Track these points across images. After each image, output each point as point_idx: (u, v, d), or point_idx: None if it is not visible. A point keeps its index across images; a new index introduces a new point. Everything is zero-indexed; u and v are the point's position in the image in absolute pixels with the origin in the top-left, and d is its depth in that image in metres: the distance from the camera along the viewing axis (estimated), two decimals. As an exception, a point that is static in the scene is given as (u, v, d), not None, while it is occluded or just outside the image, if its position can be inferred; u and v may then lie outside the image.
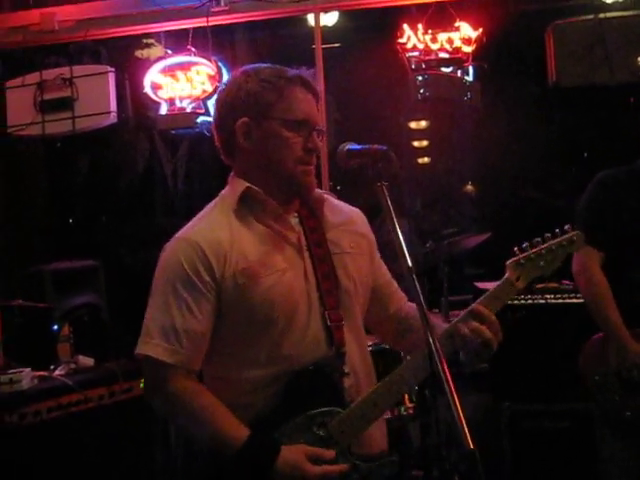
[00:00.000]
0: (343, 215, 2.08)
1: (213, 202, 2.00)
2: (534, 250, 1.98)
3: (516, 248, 2.00)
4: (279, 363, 1.86)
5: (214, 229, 1.88)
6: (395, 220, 1.69)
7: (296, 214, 1.99)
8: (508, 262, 1.97)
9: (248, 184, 1.92)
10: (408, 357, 1.97)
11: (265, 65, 1.99)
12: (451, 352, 1.86)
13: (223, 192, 2.01)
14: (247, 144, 1.93)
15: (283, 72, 1.95)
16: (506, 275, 1.96)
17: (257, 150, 1.93)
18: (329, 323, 1.89)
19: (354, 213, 2.14)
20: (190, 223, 1.96)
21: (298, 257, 1.93)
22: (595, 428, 3.28)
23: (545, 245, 1.99)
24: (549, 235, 2.01)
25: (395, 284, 2.19)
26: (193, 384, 1.86)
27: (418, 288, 1.60)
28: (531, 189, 5.24)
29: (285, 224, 1.94)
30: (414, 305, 2.01)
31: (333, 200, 2.10)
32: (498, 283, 1.97)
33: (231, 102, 1.95)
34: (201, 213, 1.98)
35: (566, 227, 2.04)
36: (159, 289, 1.88)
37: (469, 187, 5.95)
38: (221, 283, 1.84)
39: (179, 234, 1.93)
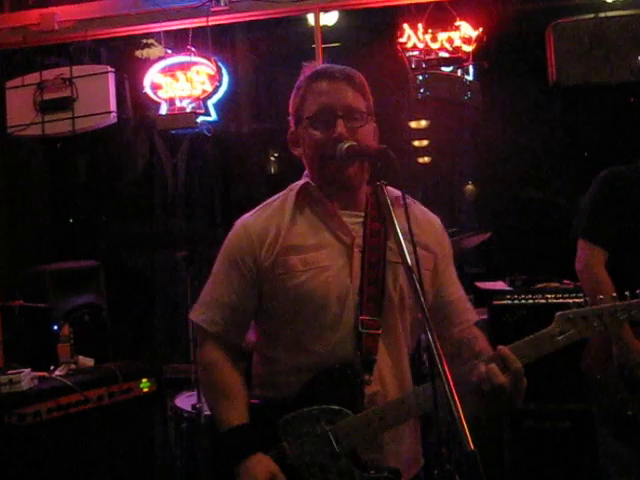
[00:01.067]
0: (414, 224, 1.89)
1: (282, 192, 2.08)
2: (589, 308, 1.79)
3: (574, 300, 1.82)
4: (305, 354, 1.92)
5: (269, 218, 1.99)
6: (395, 219, 1.68)
7: (362, 213, 1.99)
8: (558, 313, 1.81)
9: (308, 180, 2.01)
10: (426, 383, 1.85)
11: (308, 65, 2.04)
12: (464, 391, 1.70)
13: (293, 184, 2.07)
14: (298, 152, 2.04)
15: (307, 71, 2.00)
16: (550, 326, 1.81)
17: (304, 154, 2.02)
18: (360, 329, 1.89)
19: (428, 223, 2.06)
20: (255, 208, 2.07)
21: (346, 258, 1.93)
22: (595, 428, 3.27)
23: (606, 305, 1.78)
24: (615, 296, 1.80)
25: (464, 305, 2.08)
26: (220, 357, 2.00)
27: (418, 287, 1.59)
28: (531, 188, 5.23)
29: (338, 223, 1.96)
30: (477, 331, 2.04)
31: (411, 205, 1.97)
32: (538, 333, 1.81)
33: (290, 117, 2.06)
34: (267, 200, 2.08)
35: (638, 291, 1.81)
36: (216, 265, 2.06)
37: (469, 186, 5.94)
38: (261, 270, 1.95)
39: (243, 217, 2.06)
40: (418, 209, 2.08)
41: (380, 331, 1.91)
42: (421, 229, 2.01)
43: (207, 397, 2.08)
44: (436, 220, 2.11)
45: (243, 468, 1.85)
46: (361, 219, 1.98)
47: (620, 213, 3.05)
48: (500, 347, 1.79)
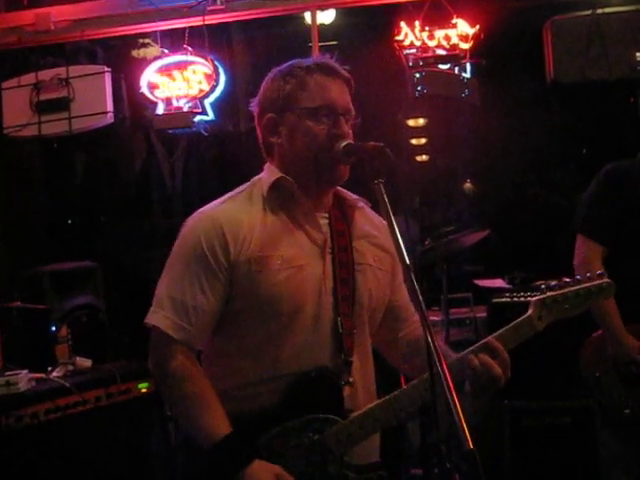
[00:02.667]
0: (373, 226, 2.04)
1: (244, 185, 1.98)
2: (561, 291, 1.91)
3: (543, 285, 1.93)
4: (281, 360, 1.84)
5: (238, 211, 1.88)
6: (392, 218, 1.66)
7: (327, 214, 1.96)
8: (533, 299, 1.91)
9: (282, 174, 1.90)
10: (414, 381, 1.88)
11: (294, 60, 1.99)
12: (458, 381, 1.76)
13: (256, 178, 1.99)
14: (276, 139, 1.93)
15: (303, 62, 1.95)
16: (529, 312, 1.90)
17: (285, 144, 1.92)
18: (341, 330, 1.86)
19: (384, 227, 2.01)
20: (216, 201, 1.94)
21: (319, 257, 1.90)
22: (595, 427, 3.26)
23: (574, 288, 1.93)
24: (579, 278, 1.95)
25: (411, 307, 2.08)
26: (191, 366, 1.84)
27: (416, 286, 1.57)
28: (530, 186, 5.23)
29: (313, 222, 1.92)
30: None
31: (367, 209, 2.05)
32: (519, 319, 1.90)
33: (262, 102, 1.97)
34: (230, 194, 1.96)
35: (598, 272, 1.99)
36: (175, 261, 1.89)
37: (468, 184, 5.94)
38: (235, 266, 1.82)
39: (203, 209, 1.92)
40: (371, 212, 2.08)
41: (355, 331, 1.89)
42: (378, 231, 2.03)
43: (184, 411, 1.85)
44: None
45: (246, 476, 1.73)
46: (327, 220, 1.95)
47: (620, 209, 3.05)
48: (489, 339, 1.86)
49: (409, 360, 2.05)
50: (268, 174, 1.94)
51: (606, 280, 1.97)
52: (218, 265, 1.83)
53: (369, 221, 2.04)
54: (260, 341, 1.85)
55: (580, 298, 1.93)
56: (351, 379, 1.87)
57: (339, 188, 1.99)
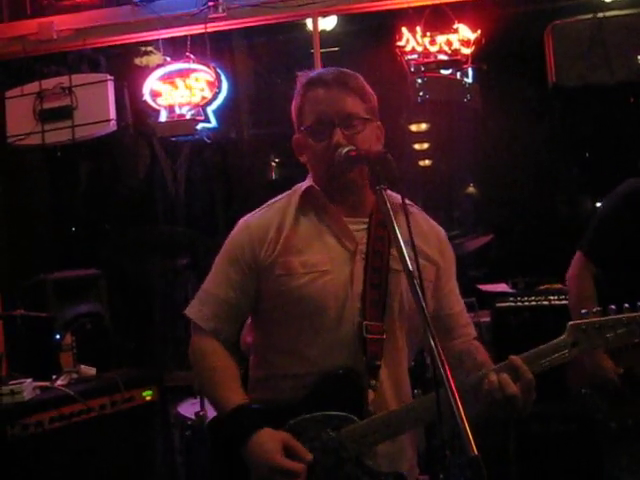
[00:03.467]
0: (420, 234, 1.97)
1: (288, 191, 2.08)
2: (604, 318, 1.75)
3: (585, 310, 1.76)
4: (307, 358, 1.90)
5: (271, 217, 1.99)
6: (395, 224, 1.66)
7: (367, 219, 1.98)
8: (570, 323, 1.78)
9: (313, 183, 1.99)
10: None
11: (302, 73, 2.02)
12: (474, 400, 1.74)
13: (299, 184, 2.06)
14: (303, 158, 2.03)
15: (303, 77, 1.99)
16: (562, 336, 1.78)
17: (308, 161, 2.02)
18: (365, 334, 1.87)
19: (433, 234, 2.05)
20: (262, 206, 2.07)
21: (348, 262, 1.92)
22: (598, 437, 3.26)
23: (620, 316, 1.75)
24: (628, 306, 1.76)
25: (465, 319, 2.09)
26: (216, 346, 1.98)
27: (419, 292, 1.57)
28: (532, 190, 5.22)
29: (343, 228, 1.95)
30: (477, 343, 2.05)
31: (418, 214, 2.04)
32: (551, 342, 1.79)
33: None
34: (272, 199, 2.08)
35: None
36: (216, 261, 2.05)
37: (470, 189, 5.93)
38: (261, 267, 1.94)
39: (246, 216, 2.06)
40: (422, 218, 2.07)
41: (384, 336, 1.89)
42: (424, 239, 2.00)
43: (204, 383, 2.03)
44: (441, 231, 2.10)
45: (252, 444, 1.78)
46: (366, 225, 1.97)
47: (629, 233, 2.96)
48: (512, 357, 1.78)
49: (453, 371, 1.96)
50: (305, 182, 2.03)
51: None
52: (247, 265, 1.96)
53: (417, 228, 1.95)
54: (287, 339, 1.94)
55: (627, 328, 1.74)
56: (375, 383, 1.87)
57: (388, 191, 1.88)
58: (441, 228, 2.11)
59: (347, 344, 1.88)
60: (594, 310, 1.77)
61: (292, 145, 2.05)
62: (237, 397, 1.87)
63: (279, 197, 2.07)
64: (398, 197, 1.87)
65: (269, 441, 1.78)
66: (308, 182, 2.02)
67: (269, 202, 2.07)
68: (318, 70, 2.04)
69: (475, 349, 2.03)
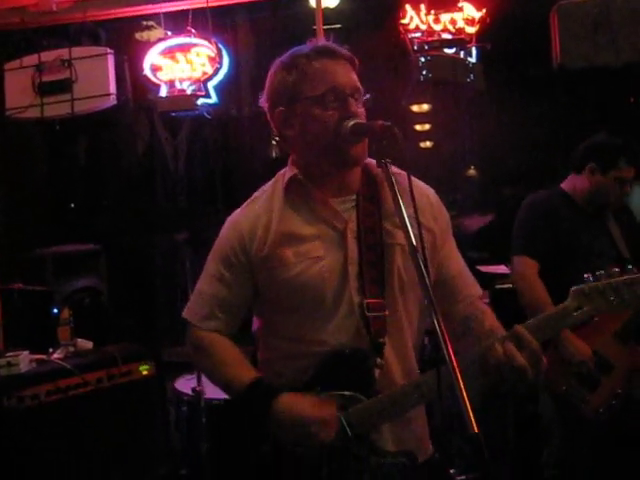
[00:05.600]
0: (407, 201, 1.86)
1: (271, 182, 2.04)
2: (607, 281, 1.73)
3: (587, 274, 1.75)
4: (307, 343, 1.89)
5: (259, 212, 1.96)
6: (400, 198, 1.64)
7: (354, 196, 1.94)
8: (573, 288, 1.76)
9: (296, 171, 1.94)
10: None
11: (293, 49, 1.95)
12: (480, 372, 1.73)
13: (281, 172, 2.03)
14: (290, 132, 1.93)
15: (302, 49, 1.93)
16: (566, 302, 1.76)
17: (299, 135, 1.91)
18: (367, 313, 1.85)
19: (424, 199, 1.97)
20: (247, 201, 2.04)
21: (340, 244, 1.89)
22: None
23: (623, 278, 1.73)
24: (631, 267, 1.75)
25: (466, 279, 2.03)
26: (214, 335, 2.00)
27: (423, 267, 1.55)
28: (535, 172, 5.20)
29: (331, 211, 1.91)
30: (482, 306, 2.02)
31: (403, 181, 1.77)
32: (554, 308, 1.79)
33: (270, 96, 1.97)
34: (257, 192, 2.05)
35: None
36: (208, 260, 2.05)
37: (472, 171, 5.91)
38: (254, 263, 1.93)
39: (234, 212, 2.04)
40: (414, 184, 1.99)
41: (387, 312, 1.87)
42: (419, 207, 1.89)
43: (212, 372, 2.01)
44: (431, 192, 2.04)
45: (279, 407, 1.78)
46: (353, 202, 1.93)
47: (547, 232, 3.24)
48: (516, 326, 1.75)
49: (460, 340, 1.90)
50: (288, 171, 1.98)
51: None
52: (239, 263, 1.95)
53: (405, 195, 1.82)
54: (289, 326, 1.93)
55: (628, 290, 1.72)
56: (381, 361, 1.86)
57: (369, 164, 1.93)
58: (430, 189, 2.05)
59: (350, 324, 1.86)
60: (597, 273, 1.76)
61: (274, 118, 1.95)
62: (251, 373, 1.89)
63: (263, 189, 2.04)
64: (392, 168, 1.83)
65: (294, 401, 1.80)
66: (290, 170, 1.97)
67: (254, 196, 2.04)
68: (315, 42, 1.98)
69: (482, 313, 1.97)
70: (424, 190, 2.03)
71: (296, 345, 1.92)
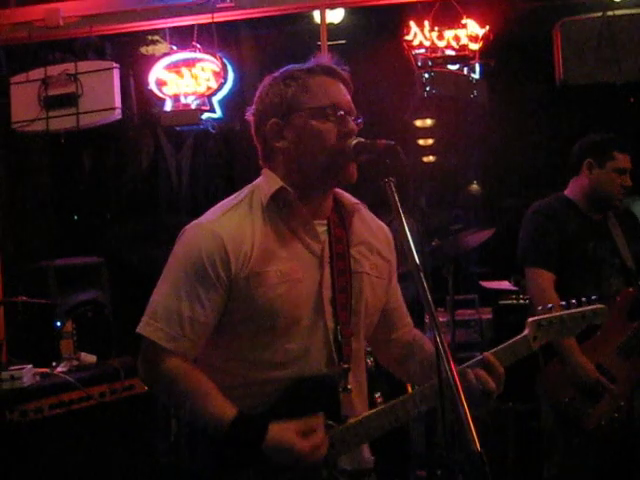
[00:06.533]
0: (370, 232, 2.01)
1: (242, 192, 1.93)
2: (557, 314, 2.00)
3: (540, 307, 2.02)
4: (276, 365, 1.83)
5: (240, 224, 1.83)
6: (403, 217, 1.65)
7: (325, 221, 1.92)
8: (530, 320, 1.98)
9: (282, 183, 1.86)
10: (417, 387, 1.92)
11: (289, 66, 1.95)
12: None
13: (256, 183, 1.94)
14: (281, 144, 1.88)
15: (303, 65, 1.93)
16: (525, 332, 1.97)
17: (292, 148, 1.87)
18: (340, 338, 1.86)
19: (381, 232, 2.06)
20: (217, 209, 1.89)
21: (317, 268, 1.87)
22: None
23: (569, 311, 2.02)
24: (575, 302, 2.04)
25: (404, 308, 2.15)
26: (186, 365, 1.83)
27: (425, 286, 1.56)
28: (537, 188, 5.21)
29: (311, 232, 1.88)
30: (418, 332, 2.13)
31: (364, 212, 2.02)
32: (515, 338, 1.96)
33: (262, 108, 1.92)
34: (230, 201, 1.91)
35: (593, 297, 2.08)
36: (173, 272, 1.84)
37: (474, 186, 5.93)
38: (234, 281, 1.79)
39: (203, 220, 1.87)
40: (369, 216, 2.05)
41: (353, 338, 1.90)
42: (376, 237, 2.02)
43: (188, 405, 1.81)
44: (385, 227, 2.09)
45: (270, 441, 1.72)
46: (325, 227, 1.92)
47: (555, 239, 3.27)
48: (485, 354, 1.89)
49: (403, 363, 2.10)
50: (267, 182, 1.89)
51: (601, 306, 2.07)
52: (218, 280, 1.79)
53: (366, 225, 2.01)
54: (255, 348, 1.84)
55: (575, 321, 2.02)
56: (349, 386, 1.88)
57: (338, 191, 1.95)
58: (383, 224, 2.10)
59: (321, 349, 1.86)
60: (548, 306, 2.02)
61: (264, 131, 1.90)
62: (231, 408, 1.76)
63: (237, 199, 1.91)
64: (350, 196, 1.95)
65: (284, 434, 1.73)
66: (269, 181, 1.89)
67: (228, 205, 1.89)
68: (316, 59, 1.99)
69: (421, 338, 2.11)
70: (380, 223, 2.09)
71: (262, 370, 1.83)
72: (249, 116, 1.97)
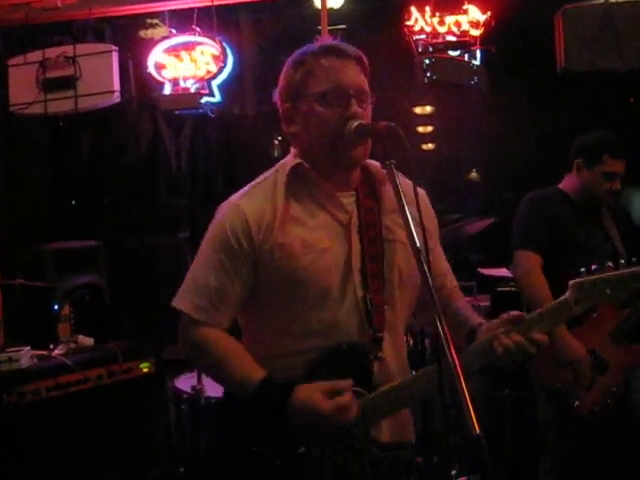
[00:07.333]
0: (408, 202, 1.93)
1: (270, 170, 2.00)
2: (603, 275, 1.81)
3: (584, 269, 1.84)
4: (311, 337, 1.87)
5: (262, 199, 1.91)
6: (404, 199, 1.64)
7: (354, 192, 1.95)
8: (571, 282, 1.82)
9: (300, 160, 1.92)
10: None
11: (304, 47, 1.97)
12: (474, 359, 1.79)
13: (281, 162, 2.00)
14: (293, 129, 1.95)
15: (311, 47, 1.94)
16: (565, 295, 1.82)
17: (302, 132, 1.93)
18: (369, 307, 1.87)
19: (418, 198, 2.01)
20: (246, 188, 1.98)
21: (344, 238, 1.89)
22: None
23: (618, 272, 1.83)
24: (623, 262, 1.85)
25: (451, 278, 2.11)
26: (216, 331, 1.91)
27: (426, 269, 1.56)
28: (537, 175, 5.20)
29: (335, 203, 1.91)
30: (466, 304, 2.09)
31: (400, 179, 1.90)
32: (554, 302, 1.84)
33: (279, 93, 1.99)
34: (257, 179, 1.99)
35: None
36: (203, 250, 1.95)
37: (474, 174, 5.92)
38: (259, 253, 1.87)
39: (232, 198, 1.97)
40: (405, 183, 1.95)
41: (385, 307, 1.90)
42: (411, 204, 1.95)
43: (216, 370, 1.94)
44: (423, 193, 2.06)
45: (295, 404, 1.76)
46: (354, 197, 1.95)
47: (546, 226, 3.26)
48: (517, 315, 1.81)
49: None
50: (290, 159, 1.96)
51: None
52: (242, 252, 1.88)
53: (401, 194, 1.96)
54: (288, 319, 1.89)
55: (623, 283, 1.81)
56: (381, 354, 1.88)
57: (368, 161, 1.96)
58: (422, 189, 2.06)
59: (352, 318, 1.87)
60: (593, 267, 1.84)
61: (282, 113, 1.97)
62: (260, 372, 1.83)
63: (263, 177, 1.99)
64: (377, 166, 1.92)
65: (309, 394, 1.77)
66: (293, 159, 1.95)
67: (254, 183, 1.98)
68: (324, 41, 2.00)
69: (466, 308, 2.06)
70: (419, 191, 2.02)
71: (290, 339, 1.88)
72: (275, 99, 2.03)
